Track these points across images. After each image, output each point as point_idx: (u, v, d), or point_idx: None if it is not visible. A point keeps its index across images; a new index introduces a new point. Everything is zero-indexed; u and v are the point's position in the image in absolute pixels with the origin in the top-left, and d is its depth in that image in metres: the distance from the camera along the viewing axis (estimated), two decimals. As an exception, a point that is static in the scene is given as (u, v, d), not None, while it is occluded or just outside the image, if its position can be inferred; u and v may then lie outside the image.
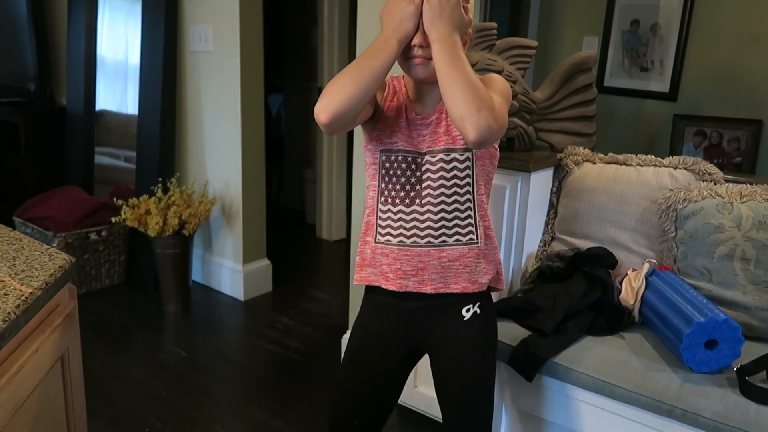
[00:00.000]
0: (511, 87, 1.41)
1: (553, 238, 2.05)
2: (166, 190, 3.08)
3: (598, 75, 3.05)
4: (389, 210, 1.40)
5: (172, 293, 3.09)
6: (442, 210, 1.36)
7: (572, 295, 1.75)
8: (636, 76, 2.99)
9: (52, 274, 1.21)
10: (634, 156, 1.99)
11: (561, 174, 2.05)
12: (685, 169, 1.91)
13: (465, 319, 1.40)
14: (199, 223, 3.03)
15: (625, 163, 1.98)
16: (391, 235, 1.40)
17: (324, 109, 1.24)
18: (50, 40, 3.97)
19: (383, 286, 1.42)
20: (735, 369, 1.50)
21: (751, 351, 1.58)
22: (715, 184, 1.86)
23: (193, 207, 3.00)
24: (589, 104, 2.12)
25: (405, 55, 1.31)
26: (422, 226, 1.37)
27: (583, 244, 1.95)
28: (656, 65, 2.92)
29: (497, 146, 1.43)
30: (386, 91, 1.43)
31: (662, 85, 2.91)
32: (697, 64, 2.84)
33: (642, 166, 1.96)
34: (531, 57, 2.07)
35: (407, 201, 1.38)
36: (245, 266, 3.25)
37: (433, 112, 1.37)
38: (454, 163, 1.35)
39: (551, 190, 2.07)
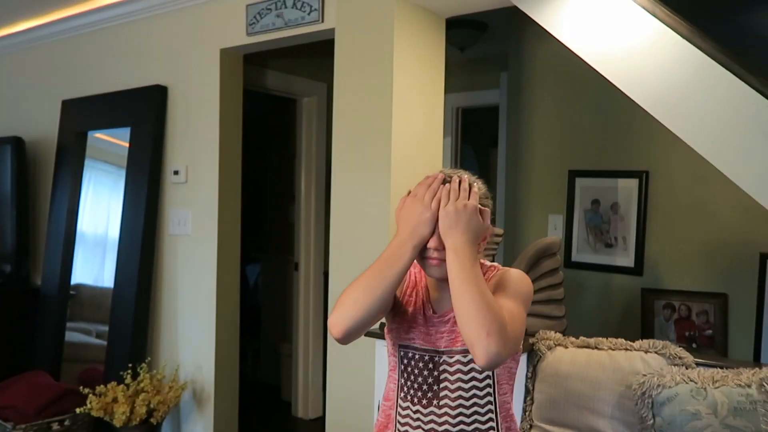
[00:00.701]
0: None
1: (531, 426, 2.01)
2: (135, 375, 2.99)
3: (565, 251, 3.16)
4: (408, 408, 1.36)
5: (136, 487, 2.89)
6: (461, 413, 1.32)
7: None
8: (601, 251, 3.10)
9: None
10: (605, 340, 2.01)
11: (534, 359, 2.05)
12: (656, 353, 1.93)
13: None
14: (169, 410, 2.91)
15: (596, 347, 2.00)
16: None
17: (337, 325, 1.24)
18: (31, 221, 4.04)
19: None
20: None
21: None
22: (686, 368, 1.87)
23: (162, 393, 2.90)
24: (556, 287, 2.18)
25: (421, 254, 1.30)
26: (440, 429, 1.33)
27: (563, 434, 1.91)
28: (620, 241, 3.04)
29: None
30: (406, 283, 1.41)
31: (627, 260, 3.01)
32: (659, 240, 2.96)
33: (613, 349, 1.98)
34: (498, 243, 2.16)
35: (424, 402, 1.34)
36: (216, 454, 3.09)
37: (452, 309, 1.28)
38: (473, 365, 1.31)
39: (526, 375, 2.06)
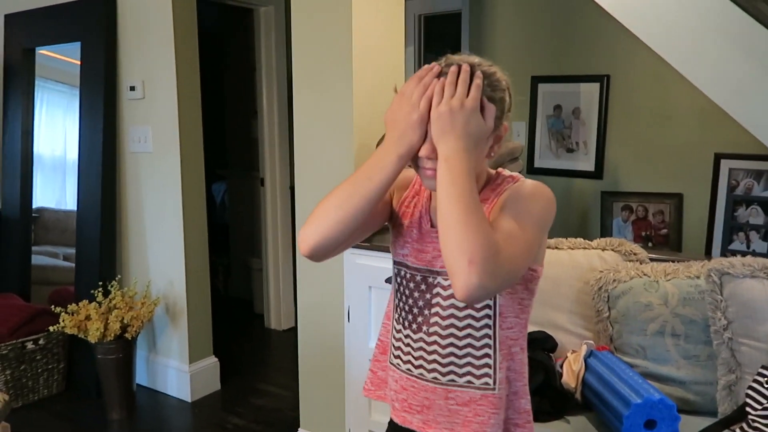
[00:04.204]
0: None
1: (495, 324, 2.10)
2: (106, 293, 3.02)
3: (528, 157, 3.20)
4: (401, 331, 1.22)
5: (115, 400, 2.98)
6: (452, 344, 1.15)
7: (516, 382, 1.78)
8: (563, 156, 3.15)
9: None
10: (564, 240, 2.08)
11: (497, 260, 2.12)
12: (612, 250, 2.01)
13: None
14: (143, 325, 2.96)
15: (557, 247, 2.07)
16: (401, 359, 1.22)
17: (305, 240, 1.09)
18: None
19: (391, 414, 1.26)
20: (675, 447, 1.55)
21: (690, 426, 1.64)
22: (641, 263, 1.96)
23: (135, 309, 2.94)
24: (518, 191, 2.22)
25: (416, 162, 1.10)
26: (429, 358, 1.17)
27: (524, 328, 2.00)
28: (581, 146, 3.09)
29: (537, 267, 1.16)
30: (408, 191, 1.24)
31: (588, 164, 3.08)
32: (618, 143, 3.02)
33: (573, 249, 2.05)
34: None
35: (414, 326, 1.19)
36: (192, 366, 3.17)
37: None
38: None
39: (490, 276, 2.13)
